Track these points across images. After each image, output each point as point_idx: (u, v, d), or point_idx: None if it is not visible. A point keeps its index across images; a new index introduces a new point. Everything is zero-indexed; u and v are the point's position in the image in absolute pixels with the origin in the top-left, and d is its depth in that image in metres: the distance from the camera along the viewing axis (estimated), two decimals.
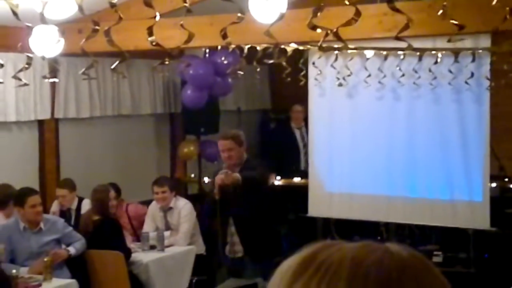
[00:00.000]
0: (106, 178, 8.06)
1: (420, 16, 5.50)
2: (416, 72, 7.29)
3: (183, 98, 9.31)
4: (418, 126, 7.83)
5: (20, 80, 4.91)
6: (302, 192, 8.61)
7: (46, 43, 4.29)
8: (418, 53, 6.75)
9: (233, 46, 6.00)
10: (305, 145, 9.54)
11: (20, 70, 4.70)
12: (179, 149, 9.88)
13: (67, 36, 4.60)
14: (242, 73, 7.49)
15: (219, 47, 7.62)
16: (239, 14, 3.82)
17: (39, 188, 7.79)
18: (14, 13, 3.74)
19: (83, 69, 4.83)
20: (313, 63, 7.75)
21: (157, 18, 3.70)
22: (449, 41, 4.76)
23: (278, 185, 9.45)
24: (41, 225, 6.70)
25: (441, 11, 4.20)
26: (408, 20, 3.68)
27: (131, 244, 7.46)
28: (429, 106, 7.73)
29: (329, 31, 3.79)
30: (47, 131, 8.40)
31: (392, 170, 7.97)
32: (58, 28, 4.29)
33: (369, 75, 7.40)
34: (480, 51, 6.92)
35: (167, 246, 7.53)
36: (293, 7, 5.18)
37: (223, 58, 8.76)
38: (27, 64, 4.41)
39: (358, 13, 3.67)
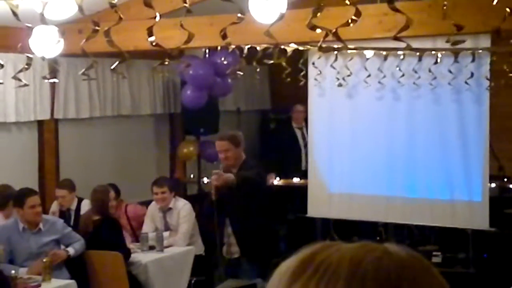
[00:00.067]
0: (106, 179, 8.06)
1: (420, 16, 5.50)
2: (416, 72, 7.29)
3: (183, 98, 9.31)
4: (418, 126, 7.83)
5: (20, 80, 4.91)
6: (301, 193, 8.60)
7: (46, 43, 4.28)
8: (418, 53, 6.75)
9: (233, 46, 6.00)
10: (306, 145, 9.53)
11: (20, 71, 4.70)
12: (179, 150, 9.88)
13: (67, 37, 4.60)
14: (242, 73, 7.49)
15: (219, 48, 7.62)
16: (239, 15, 3.82)
17: (39, 189, 7.79)
18: (14, 14, 3.74)
19: (83, 70, 4.83)
20: (313, 63, 7.74)
21: (157, 18, 3.70)
22: (447, 41, 4.75)
23: (277, 186, 9.45)
24: (41, 225, 6.70)
25: (442, 10, 4.20)
26: (407, 21, 3.68)
27: (130, 244, 7.46)
28: (429, 106, 7.73)
29: (329, 31, 3.79)
30: (47, 132, 8.40)
31: (392, 170, 7.97)
32: (58, 29, 4.29)
33: (369, 75, 7.40)
34: (480, 51, 6.92)
35: (166, 247, 7.53)
36: (293, 7, 5.18)
37: (223, 59, 8.76)
38: (27, 64, 4.42)
39: (358, 13, 3.67)
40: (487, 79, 7.18)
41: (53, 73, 7.31)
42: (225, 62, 8.59)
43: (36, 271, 6.38)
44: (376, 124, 8.01)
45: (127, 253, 7.11)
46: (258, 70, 7.54)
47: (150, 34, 3.73)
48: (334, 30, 3.76)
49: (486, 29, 5.62)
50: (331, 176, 8.31)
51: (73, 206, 7.79)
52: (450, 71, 7.09)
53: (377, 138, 8.00)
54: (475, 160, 7.57)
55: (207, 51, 9.16)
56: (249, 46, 6.32)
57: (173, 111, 9.98)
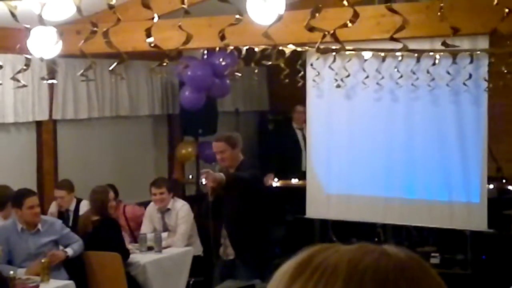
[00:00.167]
0: (104, 179, 8.06)
1: (418, 18, 5.52)
2: (414, 73, 7.29)
3: (181, 99, 9.32)
4: (416, 128, 7.84)
5: (19, 81, 4.91)
6: (300, 194, 8.61)
7: (45, 44, 4.28)
8: (416, 55, 6.75)
9: (231, 47, 6.00)
10: None
11: (19, 72, 4.70)
12: (177, 151, 9.88)
13: (65, 38, 4.60)
14: (240, 74, 7.49)
15: (217, 49, 7.61)
16: (237, 16, 3.83)
17: (37, 189, 7.79)
18: (13, 15, 3.74)
19: (82, 71, 4.83)
20: (311, 65, 7.74)
21: (155, 19, 3.70)
22: (443, 44, 4.76)
23: (275, 187, 9.45)
24: (39, 226, 6.70)
25: (439, 13, 4.21)
26: (403, 22, 3.69)
27: (128, 245, 7.46)
28: (427, 107, 7.74)
29: (327, 33, 3.80)
30: (45, 132, 8.40)
31: (390, 172, 7.97)
32: (56, 30, 4.29)
33: (367, 77, 7.39)
34: (478, 52, 6.92)
35: (165, 247, 7.53)
36: (291, 8, 5.18)
37: (221, 60, 8.76)
38: (25, 65, 4.42)
39: (356, 15, 3.68)
40: (486, 80, 7.18)
41: (52, 74, 7.31)
42: (223, 63, 8.59)
43: (35, 272, 6.38)
44: (374, 125, 8.01)
45: (126, 253, 7.11)
46: (256, 71, 7.55)
47: (149, 35, 3.74)
48: (332, 32, 3.76)
49: (484, 30, 5.63)
50: (330, 177, 8.31)
51: (72, 207, 7.79)
52: (448, 73, 7.09)
53: (376, 139, 8.00)
54: (473, 162, 7.58)
55: (205, 52, 9.15)
56: (247, 47, 6.32)
57: (171, 112, 9.98)
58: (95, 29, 3.79)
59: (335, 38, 3.82)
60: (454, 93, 7.49)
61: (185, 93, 9.18)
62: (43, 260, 6.35)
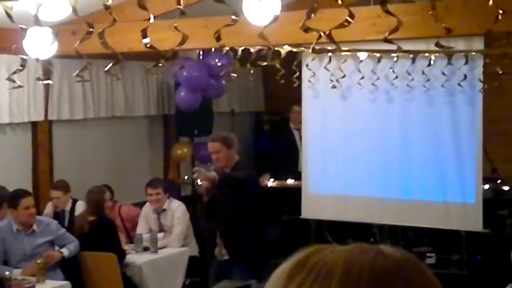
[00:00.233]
0: (100, 180, 8.05)
1: (414, 19, 5.52)
2: (409, 74, 7.30)
3: (177, 100, 9.31)
4: (412, 128, 7.84)
5: (14, 82, 4.91)
6: (296, 194, 8.60)
7: (40, 45, 4.29)
8: (411, 56, 6.77)
9: (227, 48, 6.01)
10: None
11: (14, 72, 4.70)
12: (173, 151, 9.88)
13: (61, 38, 4.60)
14: (235, 75, 7.49)
15: (213, 49, 7.63)
16: (233, 17, 3.83)
17: (32, 190, 7.77)
18: (8, 15, 3.74)
19: (77, 71, 4.83)
20: (307, 65, 7.74)
21: (151, 20, 3.71)
22: (436, 45, 4.77)
23: (271, 187, 9.45)
24: (34, 227, 6.70)
25: (431, 12, 4.22)
26: (398, 23, 3.70)
27: (124, 245, 7.46)
28: (422, 108, 7.74)
29: (322, 33, 3.81)
30: (41, 133, 8.39)
31: (386, 172, 7.98)
32: (52, 30, 4.29)
33: (363, 77, 7.40)
34: (473, 53, 6.94)
35: (161, 248, 7.53)
36: (286, 9, 5.19)
37: (217, 60, 8.75)
38: (21, 66, 4.42)
39: (351, 16, 3.69)
40: (481, 81, 7.20)
41: (47, 74, 7.30)
42: (219, 64, 8.59)
43: (30, 272, 6.37)
44: (370, 126, 8.02)
45: (122, 254, 7.11)
46: (252, 72, 7.55)
47: (144, 35, 3.74)
48: (327, 32, 3.77)
49: (479, 31, 5.64)
50: (325, 178, 8.32)
51: (68, 207, 7.78)
52: (443, 73, 7.11)
53: (371, 140, 8.01)
54: (468, 162, 7.59)
55: (201, 52, 9.16)
56: (243, 48, 6.32)
57: (167, 112, 9.98)
58: (91, 29, 3.79)
59: (331, 39, 3.83)
60: (449, 94, 7.50)
61: (181, 94, 9.18)
62: (38, 261, 6.35)
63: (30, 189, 7.63)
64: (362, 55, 7.23)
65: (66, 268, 6.87)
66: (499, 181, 8.77)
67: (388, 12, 3.70)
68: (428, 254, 8.28)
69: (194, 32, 5.46)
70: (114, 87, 8.99)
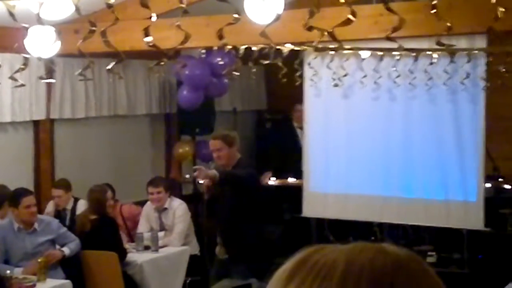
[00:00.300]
0: (101, 179, 8.06)
1: (416, 17, 5.52)
2: (411, 72, 7.29)
3: (179, 98, 9.31)
4: (414, 127, 7.84)
5: (17, 80, 4.90)
6: (297, 192, 8.60)
7: (43, 43, 4.29)
8: (413, 54, 6.76)
9: (229, 46, 6.00)
10: None
11: (17, 71, 4.70)
12: (174, 150, 9.88)
13: (63, 37, 4.60)
14: (238, 73, 7.48)
15: (215, 48, 7.61)
16: (235, 15, 3.83)
17: (34, 189, 7.78)
18: (11, 14, 3.74)
19: (80, 70, 4.83)
20: (309, 64, 7.74)
21: (154, 18, 3.71)
22: (437, 43, 4.76)
23: (272, 185, 9.45)
24: (36, 225, 6.70)
25: (434, 11, 4.21)
26: (400, 21, 3.69)
27: (125, 244, 7.46)
28: (424, 106, 7.74)
29: (324, 32, 3.80)
30: (42, 132, 8.39)
31: (387, 171, 7.97)
32: (55, 29, 4.29)
33: (365, 76, 7.40)
34: (476, 51, 6.93)
35: (161, 247, 7.53)
36: (288, 7, 5.18)
37: (219, 59, 8.75)
38: (23, 64, 4.42)
39: (353, 14, 3.69)
40: (483, 79, 7.19)
41: (50, 73, 7.29)
42: (221, 63, 8.58)
43: (31, 271, 6.37)
44: (372, 124, 8.01)
45: (123, 253, 7.11)
46: (254, 70, 7.54)
47: (147, 34, 3.74)
48: (330, 31, 3.77)
49: (482, 29, 5.63)
50: (327, 176, 8.31)
51: (69, 206, 7.79)
52: (446, 72, 7.10)
53: (373, 138, 8.00)
54: (470, 160, 7.59)
55: (203, 51, 9.15)
56: (245, 46, 6.32)
57: (169, 111, 9.98)
58: (93, 28, 3.79)
59: (333, 37, 3.83)
60: (451, 92, 7.49)
61: (183, 92, 9.18)
62: (39, 260, 6.35)
63: (31, 187, 7.64)
64: (365, 54, 7.22)
65: (67, 267, 6.87)
66: (500, 180, 8.77)
67: (390, 10, 3.69)
68: (429, 253, 8.29)
69: (197, 30, 5.46)
70: (116, 85, 8.99)
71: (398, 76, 7.40)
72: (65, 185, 7.76)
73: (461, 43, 6.91)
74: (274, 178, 9.54)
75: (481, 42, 7.01)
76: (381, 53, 6.96)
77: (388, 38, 4.01)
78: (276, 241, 8.74)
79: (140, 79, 9.39)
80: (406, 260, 0.95)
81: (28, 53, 4.41)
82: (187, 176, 10.08)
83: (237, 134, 7.04)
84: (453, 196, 7.71)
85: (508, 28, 5.19)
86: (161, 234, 7.68)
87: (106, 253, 6.97)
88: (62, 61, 7.99)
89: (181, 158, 9.95)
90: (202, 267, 7.80)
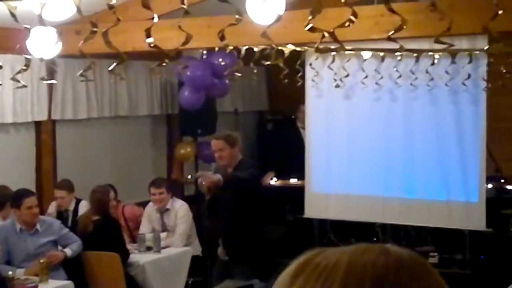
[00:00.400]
0: (103, 179, 8.06)
1: (418, 17, 5.52)
2: (413, 73, 7.30)
3: (180, 99, 9.31)
4: (415, 127, 7.84)
5: (18, 81, 4.91)
6: (300, 193, 8.60)
7: (44, 44, 4.29)
8: (415, 55, 6.76)
9: (230, 47, 6.01)
10: None
11: (18, 72, 4.70)
12: (176, 150, 9.88)
13: (65, 38, 4.60)
14: (239, 74, 7.49)
15: (216, 49, 7.62)
16: (236, 16, 3.83)
17: (36, 190, 7.78)
18: (12, 15, 3.74)
19: (81, 71, 4.83)
20: (310, 64, 7.75)
21: (155, 19, 3.71)
22: (436, 41, 4.75)
23: (274, 186, 9.44)
24: (38, 226, 6.70)
25: (437, 10, 4.21)
26: (402, 22, 3.69)
27: (127, 245, 7.46)
28: (426, 107, 7.74)
29: (326, 33, 3.80)
30: (44, 133, 8.39)
31: (389, 171, 7.98)
32: (56, 30, 4.29)
33: (366, 77, 7.40)
34: (477, 52, 6.93)
35: (164, 248, 7.53)
36: (289, 8, 5.18)
37: (220, 60, 8.76)
38: (25, 66, 4.42)
39: (355, 15, 3.68)
40: (485, 80, 7.19)
41: (51, 74, 7.31)
42: (222, 63, 8.59)
43: (33, 272, 6.38)
44: (373, 125, 8.02)
45: (126, 253, 7.11)
46: (255, 71, 7.55)
47: (148, 35, 3.74)
48: (331, 31, 3.77)
49: (483, 30, 5.62)
50: (329, 177, 8.32)
51: (71, 207, 7.79)
52: (447, 72, 7.10)
53: (374, 139, 8.01)
54: (472, 161, 7.59)
55: (204, 52, 9.15)
56: (246, 47, 6.32)
57: (170, 112, 9.98)
58: (94, 29, 3.79)
59: (334, 38, 3.83)
60: (453, 92, 7.50)
61: (184, 93, 9.18)
62: (41, 261, 6.35)
63: (33, 188, 7.64)
64: (366, 54, 7.22)
65: (69, 267, 6.87)
66: (502, 180, 8.76)
67: (391, 11, 3.69)
68: (431, 254, 8.27)
69: (198, 31, 5.47)
70: (117, 86, 8.99)
71: (399, 77, 7.40)
72: (67, 186, 7.76)
73: (462, 43, 6.91)
74: (276, 179, 9.54)
75: (482, 42, 7.01)
76: (382, 53, 6.96)
77: (390, 39, 4.01)
78: (278, 241, 8.74)
79: (141, 80, 9.40)
80: (409, 260, 0.95)
81: (29, 54, 4.41)
82: (189, 177, 10.08)
83: (239, 135, 7.05)
84: (455, 196, 7.72)
85: (508, 28, 5.19)
86: (163, 235, 7.68)
87: (108, 254, 6.97)
88: (64, 62, 7.99)
89: (183, 159, 9.95)
90: (204, 268, 7.80)
